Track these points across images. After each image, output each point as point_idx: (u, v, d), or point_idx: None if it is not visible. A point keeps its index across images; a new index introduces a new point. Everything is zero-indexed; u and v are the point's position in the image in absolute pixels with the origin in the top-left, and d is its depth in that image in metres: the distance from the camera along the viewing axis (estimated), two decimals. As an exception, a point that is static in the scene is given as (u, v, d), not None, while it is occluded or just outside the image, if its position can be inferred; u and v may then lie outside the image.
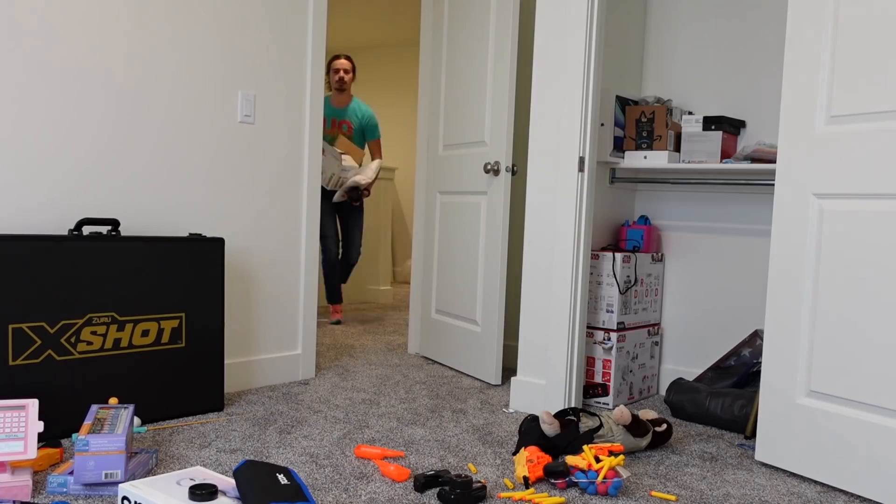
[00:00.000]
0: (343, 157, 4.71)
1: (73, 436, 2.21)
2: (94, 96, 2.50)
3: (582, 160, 2.73)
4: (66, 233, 2.41)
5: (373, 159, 4.92)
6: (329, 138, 4.78)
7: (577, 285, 2.75)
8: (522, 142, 3.65)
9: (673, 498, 1.98)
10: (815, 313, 2.19)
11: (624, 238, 3.24)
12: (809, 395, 2.21)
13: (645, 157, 3.08)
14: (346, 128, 4.79)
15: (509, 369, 3.60)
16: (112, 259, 2.36)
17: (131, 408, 2.05)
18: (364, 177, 4.71)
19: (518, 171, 3.68)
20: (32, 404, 1.83)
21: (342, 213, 4.88)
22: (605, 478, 1.99)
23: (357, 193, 4.70)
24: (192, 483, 1.64)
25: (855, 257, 2.09)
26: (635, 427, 2.35)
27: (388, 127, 7.99)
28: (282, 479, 1.63)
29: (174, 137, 2.72)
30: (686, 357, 3.28)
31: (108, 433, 1.86)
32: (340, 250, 4.92)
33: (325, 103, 4.59)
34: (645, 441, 2.38)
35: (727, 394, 2.73)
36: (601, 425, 2.32)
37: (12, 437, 1.80)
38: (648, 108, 3.07)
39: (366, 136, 4.88)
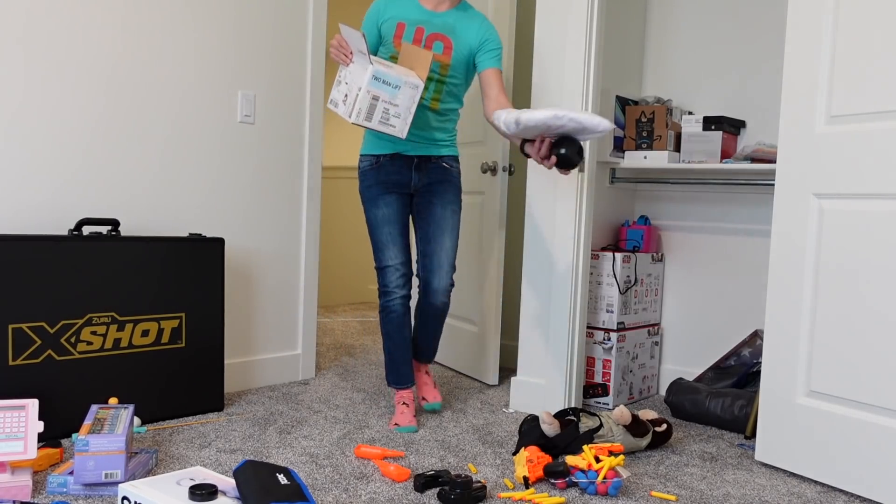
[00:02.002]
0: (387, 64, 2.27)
1: (73, 436, 2.21)
2: (94, 96, 2.50)
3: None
4: (66, 233, 2.41)
5: (496, 107, 2.42)
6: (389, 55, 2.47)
7: (577, 285, 2.75)
8: (522, 142, 3.65)
9: (673, 498, 1.98)
10: (815, 313, 2.19)
11: (624, 238, 3.24)
12: (809, 395, 2.21)
13: (645, 157, 3.08)
14: (440, 48, 2.44)
15: (509, 369, 3.60)
16: (112, 259, 2.36)
17: (131, 408, 2.05)
18: (584, 116, 2.10)
19: (515, 171, 3.68)
20: (32, 404, 1.83)
21: (419, 209, 2.58)
22: (605, 478, 1.99)
23: (577, 154, 2.18)
24: (192, 483, 1.64)
25: (855, 257, 2.09)
26: (635, 427, 2.35)
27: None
28: (282, 479, 1.63)
29: (174, 137, 2.72)
30: (686, 357, 3.28)
31: (108, 433, 1.86)
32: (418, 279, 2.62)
33: (387, 3, 2.46)
34: (645, 441, 2.38)
35: (727, 394, 2.73)
36: (601, 425, 2.32)
37: (12, 437, 1.80)
38: (648, 108, 3.07)
39: (477, 66, 2.50)
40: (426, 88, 2.46)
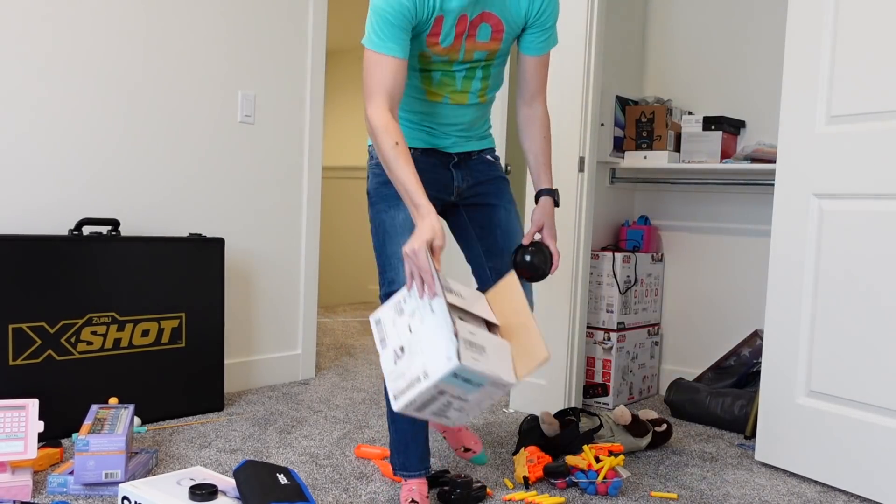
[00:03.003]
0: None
1: (74, 436, 2.21)
2: (94, 97, 2.50)
3: (582, 160, 2.73)
4: (66, 233, 2.41)
5: (532, 126, 1.90)
6: (428, 72, 1.79)
7: (577, 285, 2.75)
8: (522, 142, 3.65)
9: (674, 496, 1.98)
10: (815, 313, 2.19)
11: (624, 238, 3.24)
12: (809, 395, 2.21)
13: (645, 157, 3.08)
14: (486, 32, 1.74)
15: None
16: (112, 259, 2.36)
17: (131, 408, 2.05)
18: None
19: (513, 171, 3.68)
20: (32, 404, 1.83)
21: (474, 216, 1.94)
22: (605, 478, 1.99)
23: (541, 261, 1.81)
24: (192, 483, 1.64)
25: (855, 257, 2.09)
26: (635, 427, 2.35)
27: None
28: (282, 479, 1.63)
29: (174, 137, 2.72)
30: (686, 357, 3.28)
31: (108, 433, 1.86)
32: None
33: None
34: (645, 441, 2.38)
35: (727, 394, 2.73)
36: (601, 425, 2.32)
37: (12, 437, 1.80)
38: (648, 108, 3.07)
39: (519, 44, 1.84)
40: (472, 77, 1.80)
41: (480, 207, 1.90)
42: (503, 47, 1.80)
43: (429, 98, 1.80)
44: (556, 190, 1.87)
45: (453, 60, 1.75)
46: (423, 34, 1.70)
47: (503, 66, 1.89)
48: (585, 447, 2.07)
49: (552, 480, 2.04)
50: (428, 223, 1.52)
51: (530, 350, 1.52)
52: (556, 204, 1.86)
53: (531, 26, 1.78)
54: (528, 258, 1.78)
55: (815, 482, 2.20)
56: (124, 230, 2.59)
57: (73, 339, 2.28)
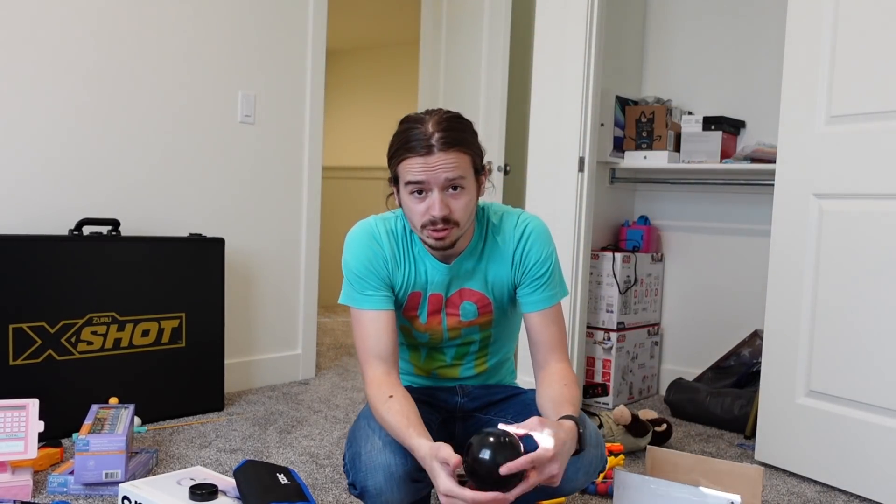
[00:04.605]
0: None
1: (74, 435, 2.21)
2: (95, 96, 2.50)
3: (582, 160, 2.73)
4: (66, 233, 2.41)
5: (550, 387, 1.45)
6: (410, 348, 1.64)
7: (577, 285, 2.75)
8: (522, 142, 3.65)
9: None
10: (815, 313, 2.19)
11: (624, 238, 3.24)
12: (809, 394, 2.21)
13: (645, 157, 3.08)
14: (470, 311, 1.55)
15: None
16: (112, 259, 2.36)
17: (131, 408, 2.05)
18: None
19: (512, 171, 3.68)
20: (33, 404, 1.83)
21: (474, 426, 1.61)
22: (605, 478, 1.99)
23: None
24: (193, 483, 1.64)
25: (855, 257, 2.09)
26: (635, 427, 2.35)
27: (387, 127, 7.92)
28: (282, 479, 1.63)
29: (174, 137, 2.72)
30: (686, 357, 3.28)
31: (108, 433, 1.86)
32: None
33: (388, 255, 1.54)
34: (645, 441, 2.38)
35: (727, 394, 2.73)
36: (601, 425, 2.32)
37: (13, 437, 1.80)
38: (648, 108, 3.07)
39: (522, 304, 1.54)
40: (463, 362, 1.63)
41: (479, 422, 1.58)
42: (496, 318, 1.57)
43: (416, 374, 1.66)
44: (582, 429, 1.33)
45: (439, 340, 1.58)
46: (402, 307, 1.55)
47: (508, 331, 1.64)
48: (585, 447, 2.07)
49: (552, 480, 2.04)
50: (428, 460, 1.25)
51: (740, 476, 1.45)
52: (581, 446, 1.32)
53: (521, 283, 1.53)
54: (482, 454, 1.20)
55: (815, 482, 2.20)
56: (124, 230, 2.59)
57: (73, 339, 2.28)
